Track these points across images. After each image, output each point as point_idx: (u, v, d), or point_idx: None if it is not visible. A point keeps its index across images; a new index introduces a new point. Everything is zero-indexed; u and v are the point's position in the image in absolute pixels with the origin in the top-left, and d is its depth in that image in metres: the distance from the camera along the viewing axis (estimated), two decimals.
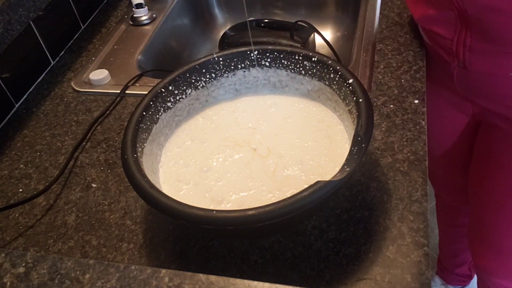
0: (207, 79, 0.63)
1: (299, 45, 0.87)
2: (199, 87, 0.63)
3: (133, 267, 0.43)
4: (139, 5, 0.94)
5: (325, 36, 0.88)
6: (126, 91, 0.78)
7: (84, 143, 0.70)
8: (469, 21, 0.62)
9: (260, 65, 0.63)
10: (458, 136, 0.87)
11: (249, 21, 0.98)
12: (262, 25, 0.96)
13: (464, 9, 0.60)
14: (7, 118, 0.78)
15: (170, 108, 0.61)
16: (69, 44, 0.92)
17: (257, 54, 0.62)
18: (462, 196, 0.98)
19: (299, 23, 0.87)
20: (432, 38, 0.71)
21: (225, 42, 0.95)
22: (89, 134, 0.72)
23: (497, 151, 0.77)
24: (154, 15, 0.96)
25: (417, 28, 0.77)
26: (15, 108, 0.79)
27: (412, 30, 0.79)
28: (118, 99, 0.77)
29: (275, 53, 0.62)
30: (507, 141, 0.74)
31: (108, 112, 0.75)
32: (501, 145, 0.76)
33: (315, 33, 0.92)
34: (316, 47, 0.97)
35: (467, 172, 0.88)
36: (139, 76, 0.81)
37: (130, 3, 0.96)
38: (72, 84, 0.82)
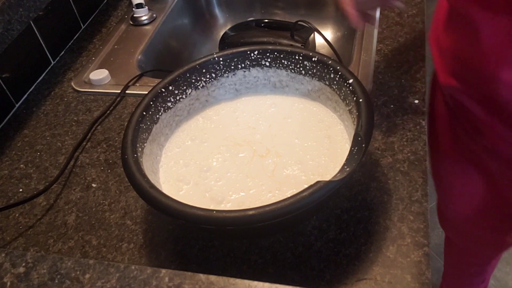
0: (207, 79, 0.63)
1: (299, 45, 0.87)
2: (199, 87, 0.63)
3: (133, 267, 0.43)
4: (139, 5, 0.94)
5: (325, 36, 0.88)
6: (126, 91, 0.78)
7: (84, 143, 0.70)
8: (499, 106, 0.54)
9: (260, 65, 0.63)
10: (484, 204, 0.76)
11: (249, 21, 0.98)
12: (262, 25, 0.96)
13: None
14: (7, 118, 0.78)
15: (170, 108, 0.61)
16: (69, 44, 0.92)
17: (257, 54, 0.62)
18: (485, 247, 0.92)
19: (299, 23, 0.87)
20: (459, 111, 0.64)
21: (225, 42, 0.95)
22: (89, 134, 0.72)
23: None
24: (154, 15, 0.96)
25: (417, 28, 0.77)
26: (15, 108, 0.79)
27: (412, 30, 0.79)
28: (118, 99, 0.77)
29: (275, 53, 0.62)
30: None
31: (108, 112, 0.75)
32: None
33: (316, 33, 0.92)
34: (317, 47, 0.96)
35: (498, 232, 0.80)
36: (139, 76, 0.81)
37: (130, 3, 0.96)
38: (72, 84, 0.82)
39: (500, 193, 0.71)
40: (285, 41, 0.88)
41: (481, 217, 0.80)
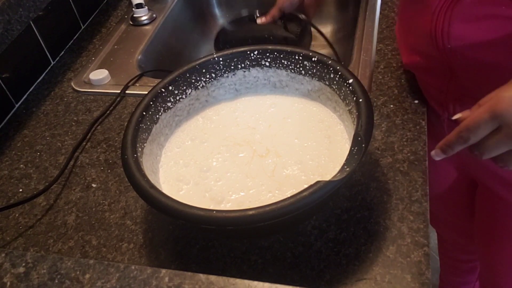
0: (207, 79, 0.63)
1: (293, 36, 0.86)
2: (199, 87, 0.63)
3: (133, 267, 0.43)
4: (139, 5, 0.94)
5: (325, 36, 0.88)
6: (126, 91, 0.78)
7: (84, 143, 0.70)
8: (458, 74, 0.58)
9: (260, 65, 0.63)
10: (456, 187, 0.84)
11: (243, 17, 0.97)
12: (256, 17, 0.95)
13: (451, 61, 0.57)
14: (7, 118, 0.78)
15: (170, 108, 0.61)
16: (69, 44, 0.92)
17: (257, 54, 0.62)
18: (466, 238, 0.96)
19: (291, 13, 0.86)
20: (423, 87, 0.68)
21: (220, 41, 0.94)
22: (89, 134, 0.72)
23: (501, 222, 0.73)
24: (154, 15, 0.96)
25: None
26: (15, 108, 0.79)
27: None
28: (118, 99, 0.77)
29: (275, 53, 0.62)
30: (509, 211, 0.71)
31: (108, 112, 0.75)
32: (504, 217, 0.72)
33: (312, 27, 0.91)
34: (316, 46, 0.96)
35: (471, 216, 0.85)
36: (139, 76, 0.81)
37: (130, 3, 0.96)
38: (72, 84, 0.82)
39: (468, 173, 0.76)
40: (279, 33, 0.87)
41: (452, 198, 0.88)
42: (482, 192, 0.77)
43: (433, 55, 0.58)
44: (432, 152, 0.50)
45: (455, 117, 0.47)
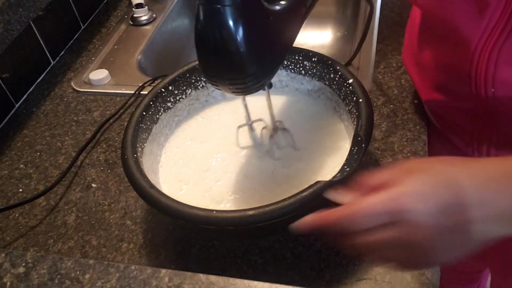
0: None
1: None
2: (199, 87, 0.63)
3: (133, 267, 0.43)
4: (139, 5, 0.94)
5: (325, 36, 0.88)
6: (126, 91, 0.78)
7: (84, 144, 0.70)
8: (497, 118, 0.51)
9: None
10: None
11: None
12: None
13: (491, 106, 0.49)
14: (7, 118, 0.78)
15: (170, 108, 0.61)
16: (69, 44, 0.92)
17: None
18: (475, 258, 0.92)
19: None
20: (444, 123, 0.61)
21: None
22: (98, 135, 0.71)
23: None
24: (154, 15, 0.96)
25: None
26: (15, 108, 0.79)
27: None
28: (132, 100, 0.76)
29: None
30: None
31: (119, 113, 0.74)
32: None
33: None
34: (316, 47, 0.96)
35: None
36: (153, 80, 0.79)
37: (130, 3, 0.96)
38: (72, 84, 0.82)
39: None
40: None
41: None
42: None
43: (467, 96, 0.51)
44: (294, 224, 0.40)
45: (338, 200, 0.39)
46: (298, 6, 0.49)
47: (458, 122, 0.58)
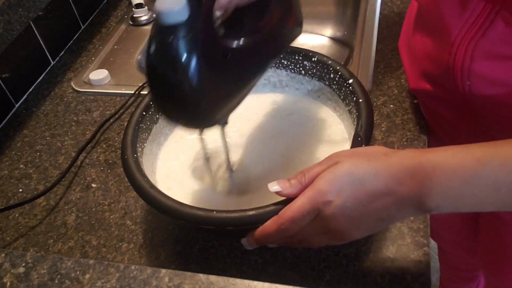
0: None
1: None
2: None
3: (133, 267, 0.43)
4: (139, 5, 0.94)
5: (324, 36, 0.87)
6: (126, 91, 0.78)
7: (85, 144, 0.70)
8: (475, 110, 0.52)
9: None
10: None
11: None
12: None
13: (468, 97, 0.51)
14: (7, 118, 0.78)
15: None
16: (69, 44, 0.92)
17: None
18: (468, 254, 0.95)
19: None
20: (430, 115, 0.63)
21: None
22: (98, 135, 0.71)
23: (507, 247, 0.70)
24: (154, 15, 0.96)
25: None
26: (15, 108, 0.79)
27: None
28: (132, 100, 0.76)
29: None
30: None
31: (118, 113, 0.74)
32: (509, 242, 0.68)
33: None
34: (316, 48, 0.96)
35: (474, 235, 0.80)
36: None
37: (130, 3, 0.96)
38: (72, 84, 0.82)
39: None
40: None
41: (453, 216, 0.84)
42: (485, 215, 0.73)
43: (448, 86, 0.52)
44: (243, 240, 0.46)
45: (272, 189, 0.43)
46: (260, 45, 0.46)
47: (441, 113, 0.59)
